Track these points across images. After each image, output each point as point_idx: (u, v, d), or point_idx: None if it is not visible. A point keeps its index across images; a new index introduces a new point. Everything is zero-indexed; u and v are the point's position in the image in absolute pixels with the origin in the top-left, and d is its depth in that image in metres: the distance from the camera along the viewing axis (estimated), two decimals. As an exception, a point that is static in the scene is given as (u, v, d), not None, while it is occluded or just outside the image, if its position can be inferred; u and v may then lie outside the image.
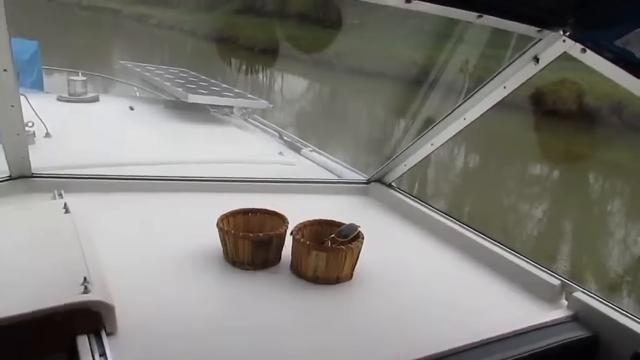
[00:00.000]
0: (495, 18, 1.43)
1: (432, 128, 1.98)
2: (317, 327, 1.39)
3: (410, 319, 1.47)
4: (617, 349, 1.38)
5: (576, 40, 1.44)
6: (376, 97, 14.04)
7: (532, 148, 11.68)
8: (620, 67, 1.33)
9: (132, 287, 1.41)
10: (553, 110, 12.54)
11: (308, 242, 1.61)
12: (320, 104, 16.27)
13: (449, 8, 1.38)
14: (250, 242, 1.59)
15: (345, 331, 1.38)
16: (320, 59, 18.01)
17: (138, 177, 2.15)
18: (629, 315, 1.42)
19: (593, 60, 1.41)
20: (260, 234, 1.62)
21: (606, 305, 1.46)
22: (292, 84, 18.28)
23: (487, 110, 1.79)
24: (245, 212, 1.77)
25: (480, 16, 1.41)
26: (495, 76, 1.70)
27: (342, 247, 1.60)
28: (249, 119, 3.94)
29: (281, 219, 1.74)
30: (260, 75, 19.92)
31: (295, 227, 1.69)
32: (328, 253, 1.57)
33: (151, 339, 1.24)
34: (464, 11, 1.39)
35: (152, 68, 4.41)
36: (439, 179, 9.83)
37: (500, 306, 1.58)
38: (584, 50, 1.42)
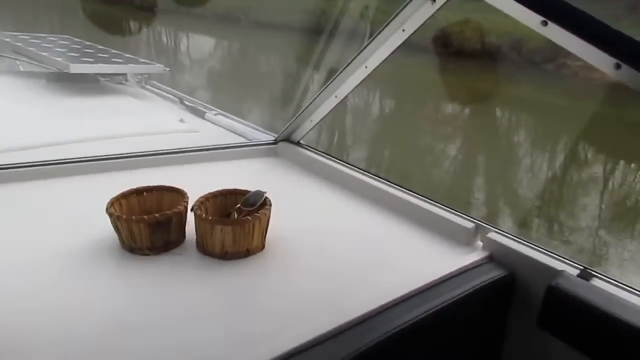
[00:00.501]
0: None
1: (333, 80, 1.88)
2: (230, 307, 1.28)
3: (330, 284, 1.40)
4: (532, 284, 1.40)
5: None
6: (286, 51, 13.76)
7: (442, 89, 12.01)
8: (517, 1, 1.27)
9: (5, 294, 1.22)
10: (459, 51, 12.88)
11: (210, 217, 1.48)
12: (230, 62, 15.74)
13: None
14: (146, 225, 1.44)
15: (263, 307, 1.29)
16: (226, 15, 17.30)
17: (14, 165, 1.89)
18: (541, 249, 1.44)
19: None
20: (157, 215, 1.47)
21: (519, 242, 1.47)
22: (199, 43, 17.50)
23: (389, 56, 1.72)
24: (138, 191, 1.60)
25: None
26: (392, 19, 1.61)
27: (248, 217, 1.49)
28: (147, 86, 3.65)
29: (180, 195, 1.59)
30: (164, 37, 18.89)
31: (196, 201, 1.55)
32: (233, 226, 1.45)
33: (33, 355, 1.07)
34: None
35: (26, 37, 3.95)
36: (357, 127, 9.88)
37: (421, 257, 1.55)
38: None
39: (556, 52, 10.74)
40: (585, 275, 1.34)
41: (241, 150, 2.31)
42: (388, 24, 1.62)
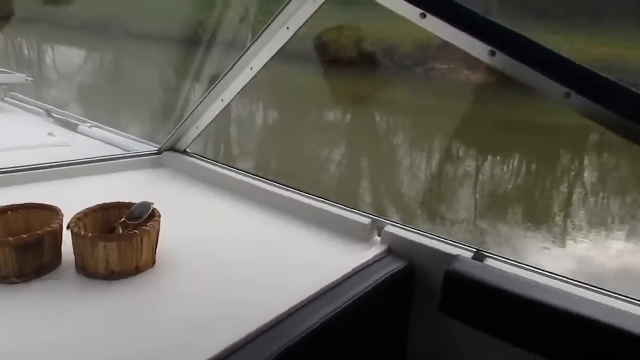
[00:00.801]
0: None
1: (218, 83, 1.81)
2: (121, 331, 1.15)
3: (232, 293, 1.32)
4: (431, 272, 1.43)
5: None
6: (163, 62, 13.27)
7: (324, 96, 12.28)
8: None
9: None
10: (337, 59, 13.28)
11: (91, 234, 1.34)
12: (104, 75, 14.85)
13: None
14: (12, 249, 1.26)
15: (158, 327, 1.17)
16: (94, 25, 16.30)
17: None
18: (436, 238, 1.48)
19: None
20: (25, 236, 1.29)
21: (415, 233, 1.50)
22: (66, 55, 16.30)
23: (274, 57, 1.68)
24: (2, 211, 1.41)
25: None
26: (275, 18, 1.58)
27: (135, 231, 1.36)
28: (7, 98, 3.29)
29: (54, 212, 1.42)
30: (26, 49, 17.37)
31: (73, 218, 1.40)
32: (119, 242, 1.32)
33: None
34: None
35: None
36: (242, 138, 9.77)
37: (322, 257, 1.53)
38: None
39: (426, 56, 11.48)
40: (479, 257, 1.40)
41: (121, 162, 2.15)
42: (271, 22, 1.58)
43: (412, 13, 1.27)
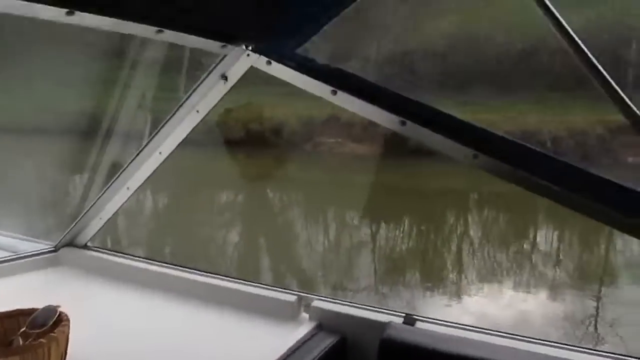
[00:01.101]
0: (176, 33, 1.30)
1: (124, 170, 1.72)
2: None
3: None
4: (364, 342, 1.42)
5: (260, 53, 1.44)
6: (44, 157, 12.46)
7: (214, 179, 12.18)
8: (304, 73, 1.37)
9: None
10: (227, 140, 13.36)
11: (-12, 351, 1.17)
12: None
13: (124, 22, 1.18)
14: None
15: None
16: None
17: None
18: (366, 307, 1.47)
19: (279, 71, 1.43)
20: None
21: (344, 305, 1.49)
22: None
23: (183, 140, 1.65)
24: None
25: (160, 31, 1.25)
26: (185, 101, 1.57)
27: (41, 340, 1.21)
28: None
29: None
30: None
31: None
32: (22, 355, 1.16)
33: None
34: (141, 25, 1.21)
35: None
36: (131, 227, 9.29)
37: (245, 345, 1.45)
38: (269, 63, 1.44)
39: (311, 131, 11.92)
40: (409, 321, 1.42)
41: (8, 265, 1.92)
42: (182, 105, 1.57)
43: (324, 90, 1.34)
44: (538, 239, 8.38)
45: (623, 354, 1.28)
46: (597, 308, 6.41)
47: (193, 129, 1.61)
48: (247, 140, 13.23)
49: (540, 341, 1.33)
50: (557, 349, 1.30)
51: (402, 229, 9.45)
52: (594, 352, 1.28)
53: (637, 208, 1.17)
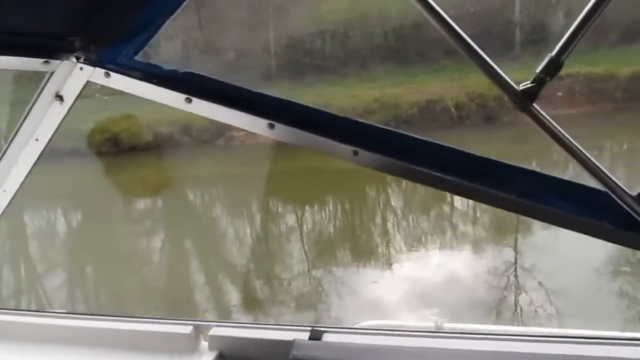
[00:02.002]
0: None
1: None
2: None
3: None
4: None
5: (95, 65, 1.27)
6: None
7: (126, 187, 11.66)
8: (151, 82, 1.25)
9: None
10: (133, 146, 12.79)
11: None
12: None
13: None
14: None
15: None
16: None
17: None
18: (270, 327, 1.42)
19: (121, 82, 1.27)
20: None
21: (246, 328, 1.42)
22: None
23: (32, 170, 1.41)
24: None
25: None
26: (19, 129, 1.36)
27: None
28: None
29: None
30: None
31: None
32: None
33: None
34: None
35: None
36: (46, 252, 8.72)
37: None
38: (107, 75, 1.27)
39: (222, 128, 11.70)
40: (316, 335, 1.36)
41: None
42: (15, 134, 1.37)
43: (177, 99, 1.24)
44: (455, 201, 8.77)
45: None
46: (515, 257, 6.83)
47: (37, 160, 1.39)
48: (155, 143, 12.74)
49: (456, 334, 1.32)
50: (471, 341, 1.29)
51: (327, 210, 9.54)
52: (516, 336, 1.29)
53: (515, 185, 1.22)
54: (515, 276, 6.66)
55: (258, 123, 1.21)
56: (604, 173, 1.17)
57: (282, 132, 1.22)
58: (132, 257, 8.26)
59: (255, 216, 9.94)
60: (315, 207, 9.55)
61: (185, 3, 1.18)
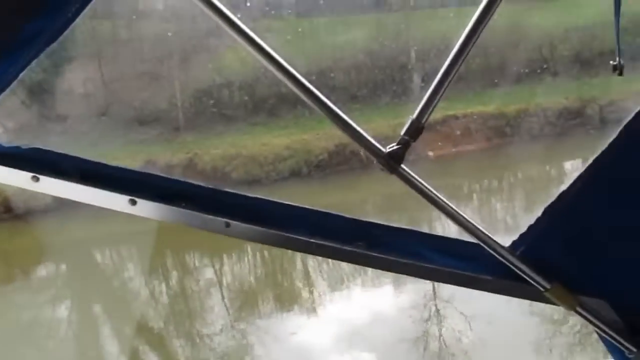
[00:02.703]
0: None
1: None
2: None
3: None
4: None
5: None
6: None
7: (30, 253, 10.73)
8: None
9: None
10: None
11: None
12: None
13: None
14: None
15: None
16: None
17: None
18: None
19: None
20: None
21: None
22: None
23: None
24: None
25: None
26: None
27: None
28: None
29: None
30: None
31: None
32: None
33: None
34: None
35: None
36: None
37: None
38: None
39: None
40: None
41: None
42: None
43: (22, 179, 1.12)
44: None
45: None
46: (434, 289, 7.09)
47: None
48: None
49: None
50: None
51: (246, 259, 9.37)
52: None
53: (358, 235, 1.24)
54: (436, 307, 6.89)
55: (117, 200, 1.13)
56: (477, 227, 1.22)
57: (146, 208, 1.15)
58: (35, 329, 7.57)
59: (172, 272, 9.54)
60: (234, 257, 9.35)
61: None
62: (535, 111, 9.33)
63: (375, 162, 1.17)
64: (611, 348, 1.32)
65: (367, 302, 7.15)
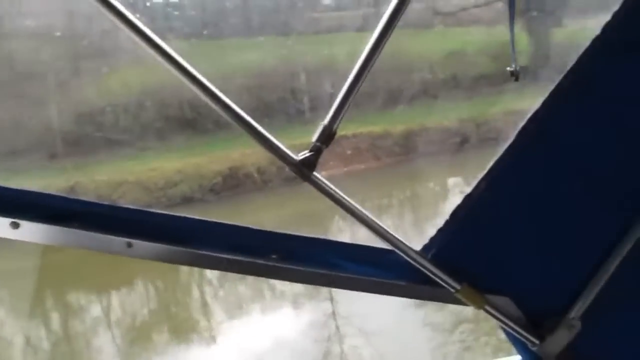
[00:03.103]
0: None
1: None
2: None
3: None
4: None
5: None
6: None
7: None
8: None
9: None
10: None
11: None
12: None
13: None
14: None
15: None
16: None
17: None
18: None
19: None
20: None
21: None
22: None
23: None
24: None
25: None
26: None
27: None
28: None
29: None
30: None
31: None
32: None
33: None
34: None
35: None
36: None
37: None
38: None
39: None
40: None
41: None
42: None
43: None
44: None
45: None
46: (333, 308, 7.16)
47: None
48: None
49: None
50: None
51: (137, 292, 8.83)
52: None
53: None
54: (336, 325, 6.96)
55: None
56: (389, 233, 1.25)
57: (31, 231, 1.03)
58: None
59: (52, 313, 8.72)
60: (123, 291, 8.77)
61: None
62: (419, 131, 9.91)
63: (287, 169, 1.15)
64: (516, 343, 1.38)
65: (267, 327, 7.03)
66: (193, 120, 9.59)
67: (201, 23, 9.19)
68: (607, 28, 1.26)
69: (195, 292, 8.31)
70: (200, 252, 1.16)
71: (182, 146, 9.91)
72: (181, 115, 9.64)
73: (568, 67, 1.30)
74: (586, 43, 1.28)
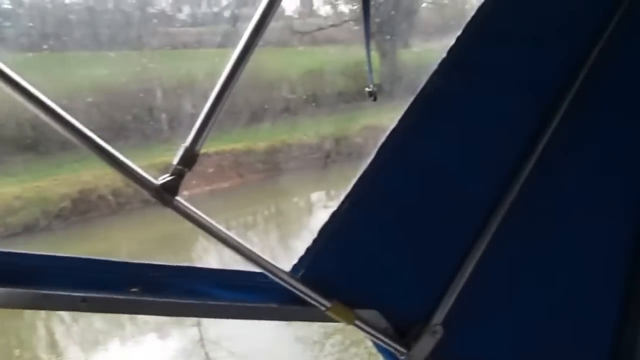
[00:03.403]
0: None
1: None
2: None
3: None
4: None
5: None
6: None
7: None
8: None
9: None
10: None
11: None
12: None
13: None
14: None
15: None
16: None
17: None
18: None
19: None
20: None
21: None
22: None
23: None
24: None
25: None
26: None
27: None
28: None
29: None
30: None
31: None
32: None
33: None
34: None
35: None
36: None
37: None
38: None
39: None
40: None
41: None
42: None
43: None
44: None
45: None
46: (200, 333, 6.91)
47: None
48: None
49: None
50: None
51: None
52: None
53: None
54: (205, 352, 6.72)
55: None
56: (257, 255, 1.22)
57: None
58: None
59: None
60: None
61: None
62: (282, 147, 10.04)
63: (147, 195, 1.05)
64: (385, 353, 1.41)
65: (131, 360, 6.57)
66: (34, 140, 8.69)
67: (40, 35, 8.37)
68: (452, 51, 1.36)
69: (42, 331, 7.49)
70: (46, 292, 1.02)
71: (21, 169, 8.93)
72: (20, 135, 8.69)
73: (419, 87, 1.38)
74: (434, 65, 1.38)
